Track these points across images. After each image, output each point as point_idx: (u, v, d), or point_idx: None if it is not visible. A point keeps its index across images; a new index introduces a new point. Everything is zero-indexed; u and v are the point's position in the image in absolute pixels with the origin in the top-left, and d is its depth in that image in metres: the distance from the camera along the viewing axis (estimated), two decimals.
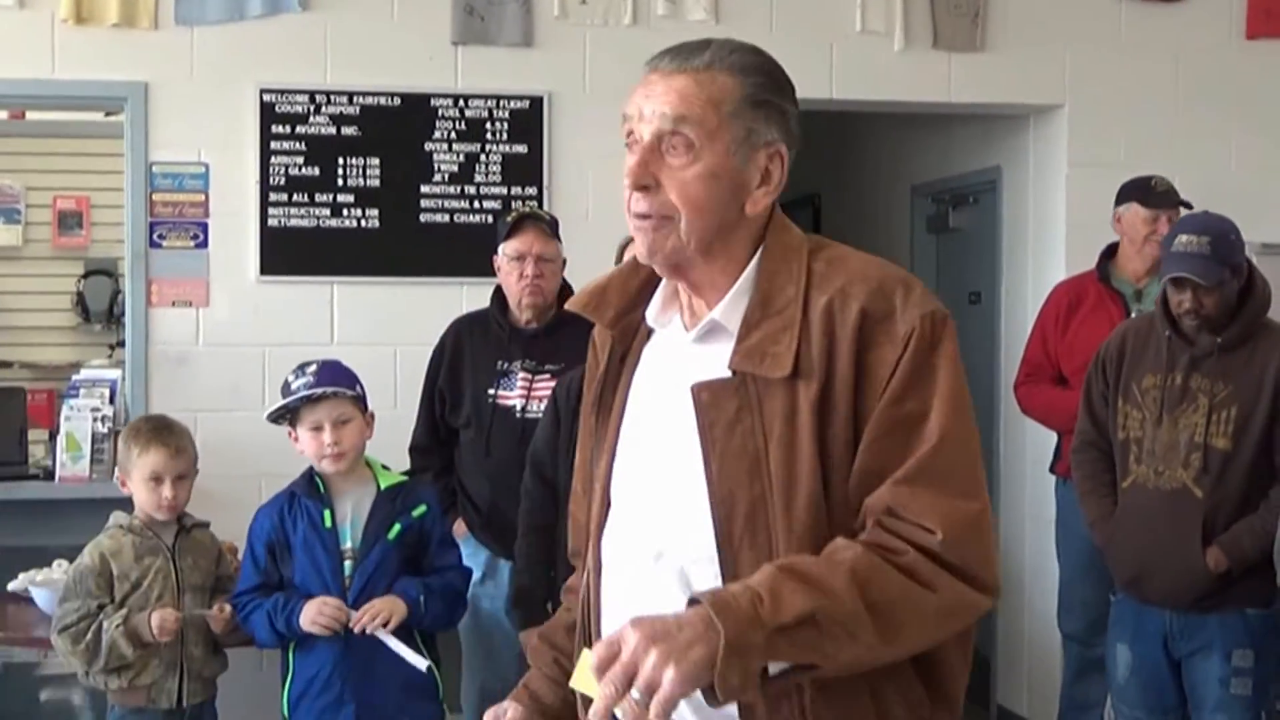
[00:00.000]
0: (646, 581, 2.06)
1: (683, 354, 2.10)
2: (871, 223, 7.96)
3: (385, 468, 4.03)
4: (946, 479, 1.96)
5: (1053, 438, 5.60)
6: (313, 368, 3.94)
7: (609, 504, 2.16)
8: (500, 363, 4.64)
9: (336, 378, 3.92)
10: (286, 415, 3.93)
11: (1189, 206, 5.24)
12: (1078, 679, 5.51)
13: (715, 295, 2.08)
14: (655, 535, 2.07)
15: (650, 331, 2.18)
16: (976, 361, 6.85)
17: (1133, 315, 5.28)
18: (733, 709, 1.97)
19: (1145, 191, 5.37)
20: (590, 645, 2.08)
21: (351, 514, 3.92)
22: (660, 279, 2.15)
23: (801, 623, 1.83)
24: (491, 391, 4.61)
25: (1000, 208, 6.55)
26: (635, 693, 1.77)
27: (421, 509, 3.96)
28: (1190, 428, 4.20)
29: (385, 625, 3.79)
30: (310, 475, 3.95)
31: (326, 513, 3.89)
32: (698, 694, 1.86)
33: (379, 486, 3.95)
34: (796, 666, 1.87)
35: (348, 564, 3.89)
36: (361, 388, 3.98)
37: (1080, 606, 5.47)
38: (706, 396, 2.01)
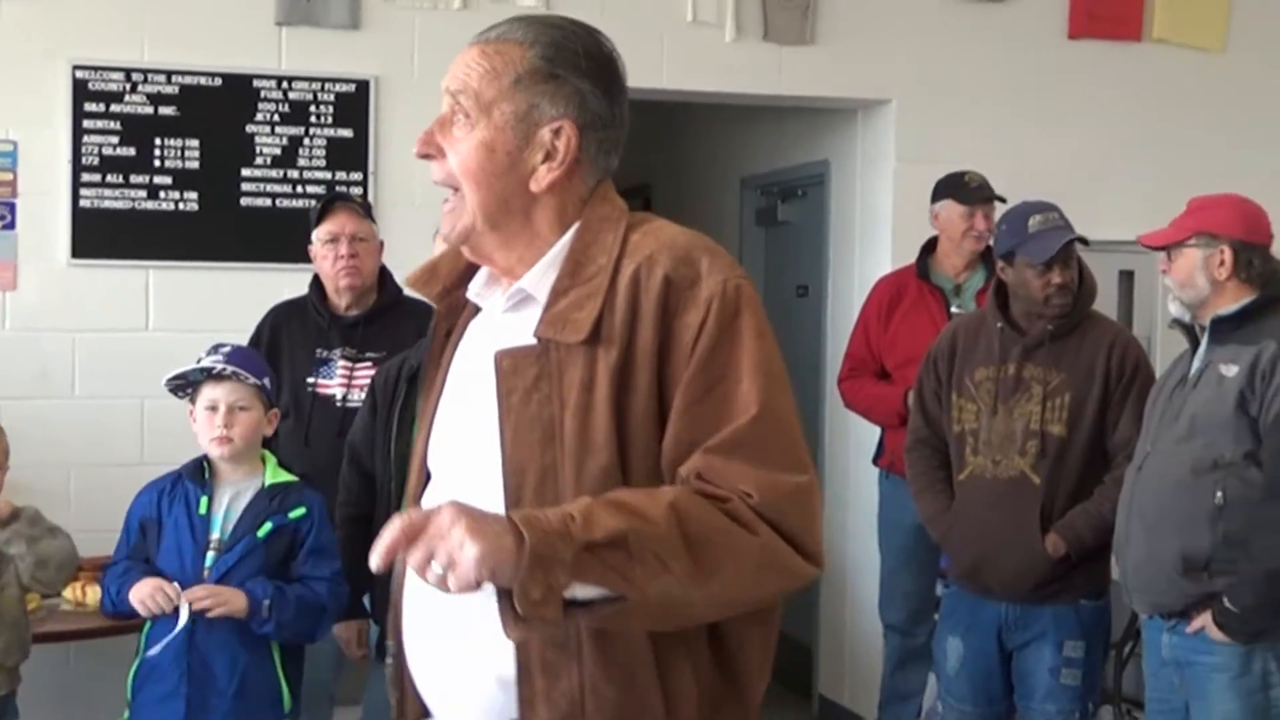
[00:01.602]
0: None
1: (496, 325, 2.08)
2: (701, 214, 7.95)
3: (284, 468, 3.91)
4: (766, 452, 1.94)
5: (876, 431, 5.64)
6: (226, 348, 3.88)
7: (428, 477, 2.15)
8: (319, 351, 4.54)
9: (245, 363, 3.85)
10: (187, 391, 3.85)
11: (1002, 200, 5.31)
12: (899, 668, 5.57)
13: (525, 270, 2.06)
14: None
15: (479, 308, 2.17)
16: (803, 354, 6.88)
17: (952, 310, 5.35)
18: (512, 682, 1.97)
19: (959, 188, 5.42)
20: (397, 622, 2.15)
21: (229, 505, 3.82)
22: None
23: (613, 543, 1.79)
24: (311, 380, 4.51)
25: (828, 201, 6.57)
26: (436, 565, 1.75)
27: (300, 512, 3.83)
28: (1026, 416, 4.25)
29: (206, 611, 3.68)
30: (200, 460, 3.86)
31: (204, 499, 3.80)
32: (499, 668, 1.93)
33: (265, 483, 3.85)
34: (602, 602, 1.82)
35: (211, 554, 3.78)
36: (271, 382, 3.89)
37: (901, 597, 5.52)
38: (508, 364, 1.99)
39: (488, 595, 1.81)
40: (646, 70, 5.79)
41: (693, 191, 8.06)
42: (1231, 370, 3.75)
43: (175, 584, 3.73)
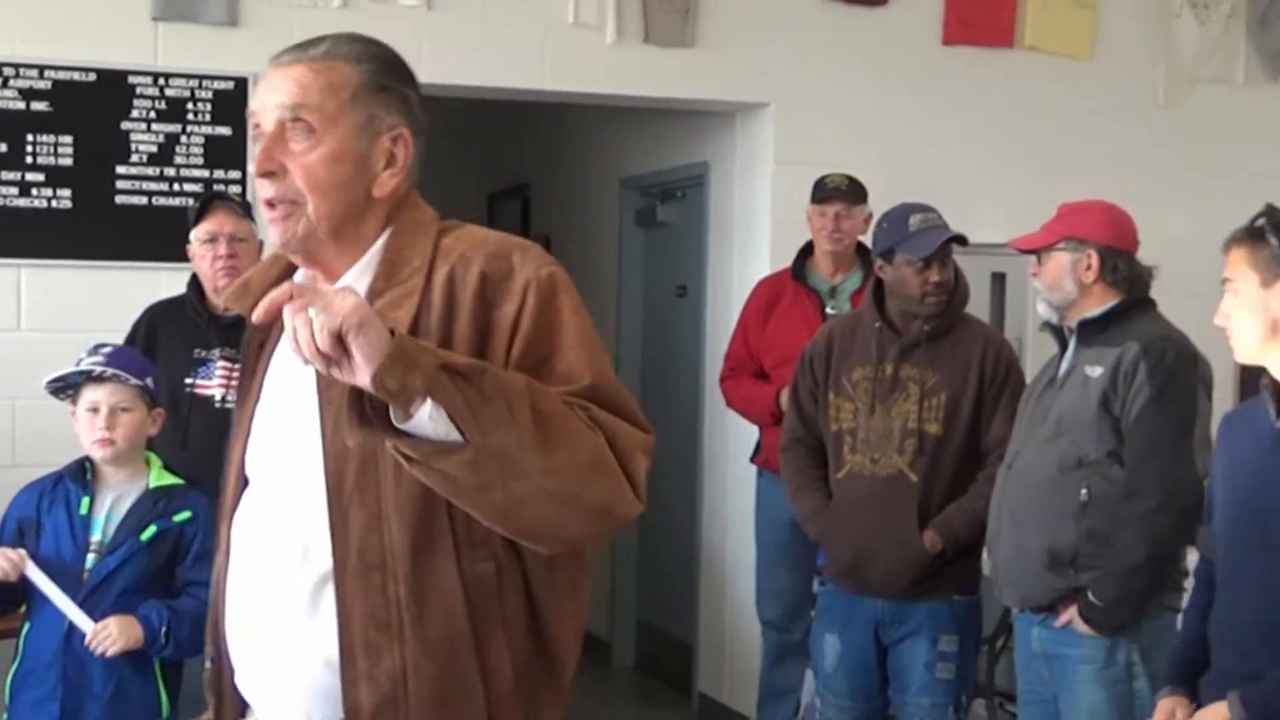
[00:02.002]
0: (274, 555, 2.11)
1: None
2: (580, 214, 7.96)
3: (168, 469, 3.84)
4: (611, 408, 2.03)
5: (755, 430, 5.69)
6: (107, 349, 3.81)
7: (245, 485, 2.21)
8: (198, 351, 4.48)
9: (126, 364, 3.78)
10: (68, 393, 3.78)
11: (861, 201, 5.43)
12: (776, 664, 5.62)
13: (345, 272, 2.13)
14: (281, 506, 2.12)
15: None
16: (682, 354, 6.92)
17: (827, 311, 5.42)
18: (334, 661, 2.04)
19: (817, 188, 5.52)
20: (220, 628, 2.20)
21: (111, 507, 3.76)
22: (298, 266, 2.20)
23: (469, 375, 1.87)
24: (189, 381, 4.45)
25: (707, 202, 6.59)
26: (312, 311, 1.80)
27: (185, 515, 3.76)
28: (903, 415, 4.32)
29: (105, 653, 3.61)
30: (82, 461, 3.79)
31: (85, 500, 3.73)
32: (325, 651, 2.00)
33: (149, 485, 3.78)
34: (441, 450, 1.87)
35: (91, 556, 3.71)
36: (153, 383, 3.82)
37: (778, 594, 5.57)
38: None
39: (314, 529, 1.98)
40: (527, 71, 5.79)
41: (572, 192, 8.06)
42: (1096, 371, 3.84)
43: (21, 550, 3.67)
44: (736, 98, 6.17)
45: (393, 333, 1.84)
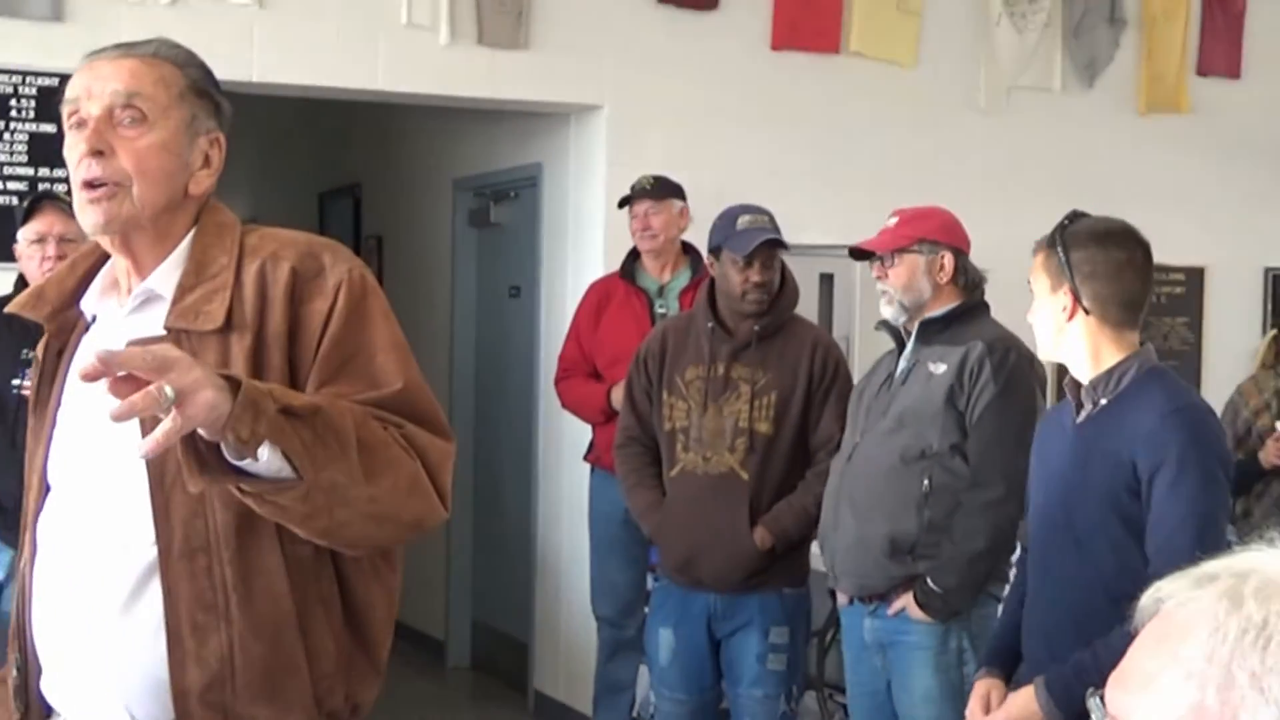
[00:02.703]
0: (89, 554, 2.13)
1: (119, 329, 2.16)
2: (413, 215, 7.91)
3: None
4: (418, 417, 2.13)
5: (589, 428, 5.72)
6: None
7: (47, 490, 2.23)
8: (25, 352, 4.37)
9: None
10: None
11: (677, 197, 5.50)
12: (611, 660, 5.64)
13: (153, 269, 2.19)
14: (95, 506, 2.14)
15: (89, 325, 2.27)
16: (516, 354, 6.92)
17: (656, 310, 5.48)
18: (163, 655, 2.07)
19: (630, 190, 5.58)
20: (25, 633, 2.23)
21: None
22: (96, 273, 2.25)
23: (304, 416, 1.94)
24: (16, 382, 4.35)
25: (541, 203, 6.59)
26: (169, 389, 1.81)
27: None
28: (734, 414, 4.38)
29: None
30: None
31: None
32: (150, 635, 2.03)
33: None
34: (277, 485, 1.94)
35: None
36: None
37: (611, 589, 5.60)
38: None
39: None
40: (361, 71, 5.74)
41: (404, 192, 8.01)
42: (940, 368, 3.95)
43: None
44: (570, 99, 6.19)
45: (238, 382, 1.88)
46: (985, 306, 4.10)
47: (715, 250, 4.46)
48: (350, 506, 2.01)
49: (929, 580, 3.91)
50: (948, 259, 4.03)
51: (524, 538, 6.78)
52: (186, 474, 1.92)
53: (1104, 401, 3.17)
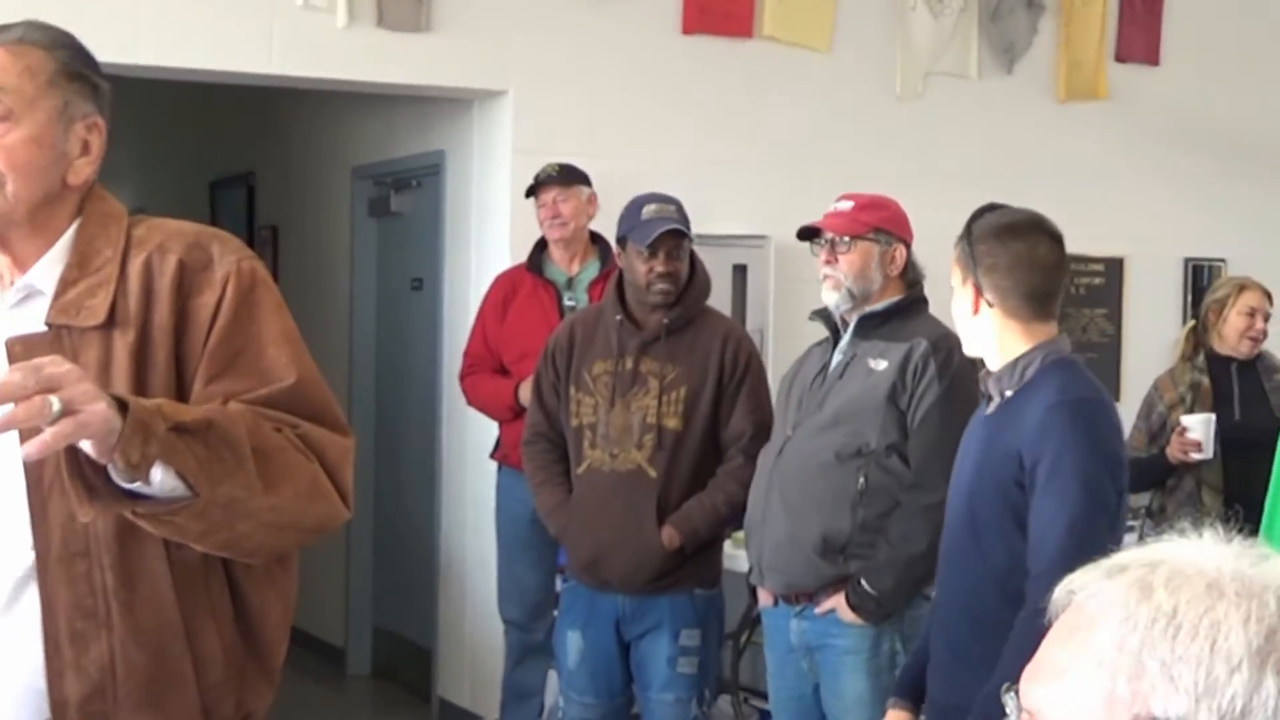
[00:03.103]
0: None
1: (1, 324, 2.16)
2: (310, 204, 7.86)
3: None
4: (315, 413, 2.14)
5: (495, 425, 5.72)
6: None
7: None
8: None
9: None
10: None
11: (579, 182, 5.52)
12: (518, 665, 5.64)
13: (34, 262, 2.18)
14: None
15: None
16: (418, 349, 6.90)
17: (565, 303, 5.49)
18: (41, 664, 2.06)
19: (532, 184, 5.61)
20: None
21: None
22: None
23: (197, 431, 1.95)
24: None
25: (444, 192, 6.58)
26: (56, 402, 1.81)
27: None
28: (642, 410, 4.40)
29: None
30: None
31: None
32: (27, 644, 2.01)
33: None
34: (172, 506, 1.94)
35: None
36: None
37: (519, 592, 5.60)
38: (20, 349, 2.06)
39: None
40: (254, 55, 5.69)
41: (301, 180, 7.96)
42: (881, 365, 3.99)
43: None
44: (473, 84, 6.18)
45: (126, 404, 1.87)
46: (925, 302, 4.16)
47: (621, 241, 4.50)
48: (251, 519, 2.02)
49: (863, 581, 3.93)
50: (900, 251, 4.09)
51: (427, 539, 6.77)
52: (76, 503, 1.91)
53: (1009, 394, 3.25)
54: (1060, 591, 1.32)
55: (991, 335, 3.28)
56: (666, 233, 4.38)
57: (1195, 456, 5.24)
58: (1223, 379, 5.42)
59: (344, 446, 2.15)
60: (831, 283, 4.08)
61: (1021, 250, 3.25)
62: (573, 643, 4.56)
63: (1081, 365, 3.40)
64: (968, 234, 3.29)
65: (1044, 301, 3.28)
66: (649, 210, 4.45)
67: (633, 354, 4.45)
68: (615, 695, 4.56)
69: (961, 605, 3.30)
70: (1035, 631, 1.28)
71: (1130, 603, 1.26)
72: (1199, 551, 1.29)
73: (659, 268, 4.41)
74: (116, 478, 1.92)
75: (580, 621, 4.55)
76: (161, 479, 1.92)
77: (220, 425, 1.98)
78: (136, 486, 1.93)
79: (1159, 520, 5.39)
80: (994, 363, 3.30)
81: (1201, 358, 5.47)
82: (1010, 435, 3.20)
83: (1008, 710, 1.33)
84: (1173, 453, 5.29)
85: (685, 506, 4.41)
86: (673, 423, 4.41)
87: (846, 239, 4.06)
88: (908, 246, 4.13)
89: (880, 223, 4.10)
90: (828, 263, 4.09)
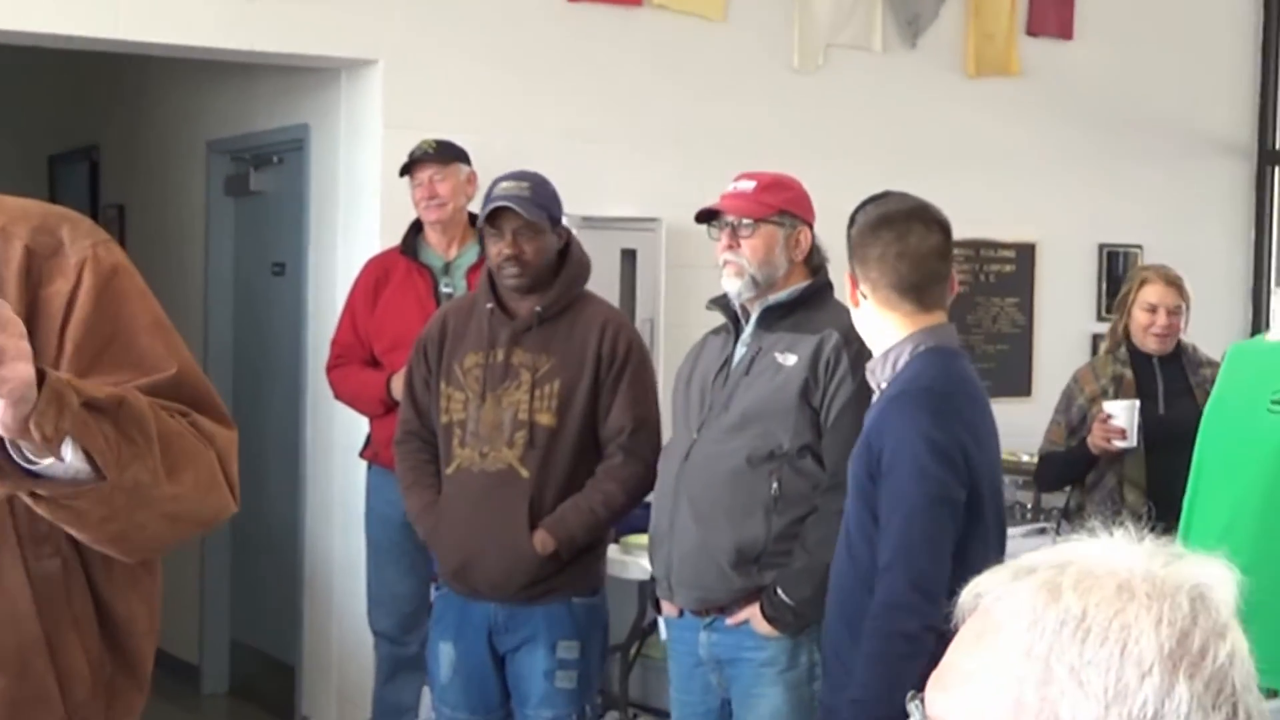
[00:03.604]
0: None
1: None
2: (161, 181, 7.76)
3: None
4: (199, 404, 2.14)
5: (365, 422, 5.65)
6: None
7: None
8: None
9: None
10: None
11: (458, 159, 5.48)
12: (390, 681, 5.61)
13: None
14: None
15: None
16: (281, 338, 6.83)
17: (441, 290, 5.45)
18: None
19: (406, 163, 5.57)
20: None
21: None
22: None
23: (107, 409, 1.92)
24: None
25: (308, 170, 6.52)
26: None
27: None
28: (514, 405, 4.35)
29: None
30: None
31: None
32: None
33: None
34: (76, 488, 1.92)
35: None
36: None
37: (391, 601, 5.57)
38: None
39: None
40: (98, 19, 5.56)
41: (150, 156, 7.84)
42: (790, 360, 3.97)
43: None
44: (340, 53, 6.10)
45: (43, 373, 1.82)
46: (831, 288, 4.13)
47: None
48: (151, 507, 1.99)
49: (779, 591, 3.92)
50: (805, 235, 4.08)
51: (290, 545, 6.71)
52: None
53: (884, 385, 3.38)
54: (967, 595, 1.33)
55: (869, 326, 3.44)
56: (510, 213, 4.31)
57: (1119, 444, 5.26)
58: (1145, 372, 5.46)
59: (230, 438, 2.15)
60: (733, 269, 4.05)
61: (890, 240, 3.37)
62: (445, 655, 4.52)
63: (956, 355, 3.49)
64: (850, 223, 3.42)
65: (918, 292, 3.38)
66: (500, 188, 4.40)
67: (504, 345, 4.40)
68: (491, 711, 4.52)
69: (838, 606, 3.42)
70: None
71: (1038, 606, 1.28)
72: (1110, 551, 1.31)
73: (505, 249, 4.35)
74: (28, 453, 1.86)
75: (452, 632, 4.50)
76: (70, 459, 1.88)
77: (131, 404, 1.95)
78: (43, 466, 1.87)
79: (1076, 520, 5.42)
80: (876, 354, 3.44)
81: (1124, 350, 5.50)
82: (868, 429, 3.35)
83: (912, 718, 1.33)
84: (1094, 441, 5.31)
85: (560, 509, 4.36)
86: (546, 419, 4.36)
87: (749, 222, 4.03)
88: (812, 229, 4.11)
89: (785, 204, 4.08)
90: (729, 247, 4.06)
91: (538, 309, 4.38)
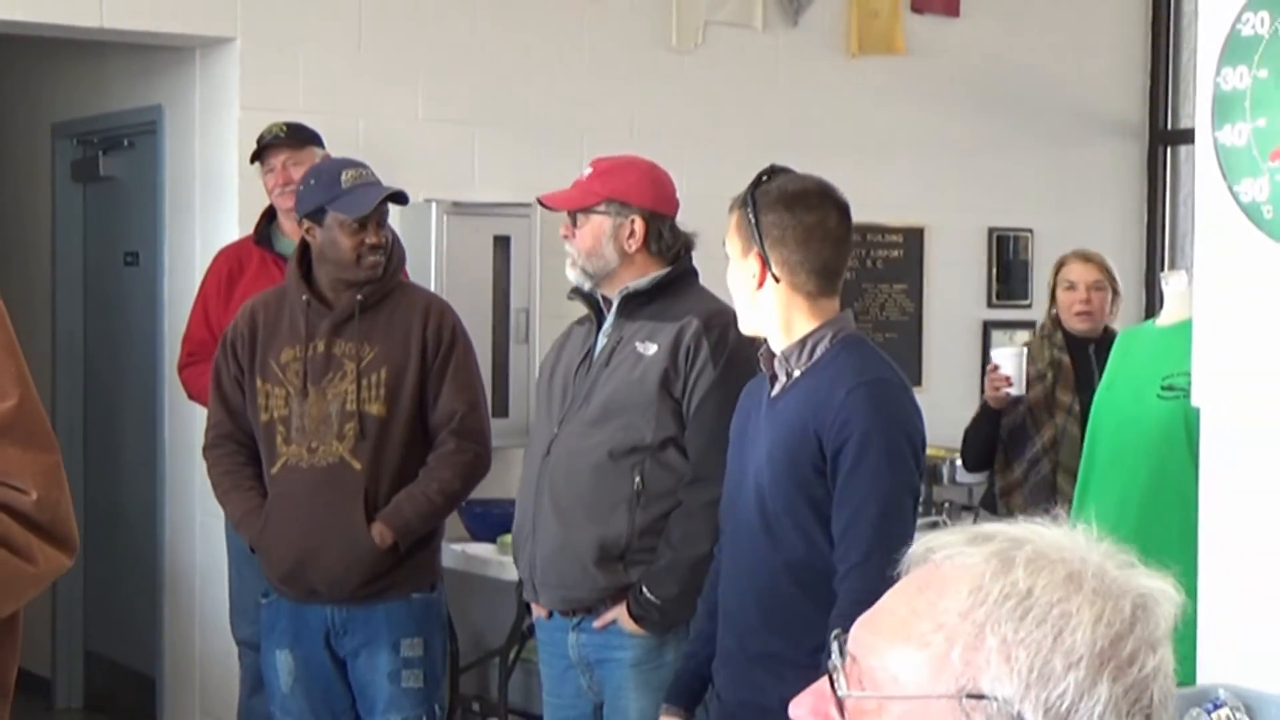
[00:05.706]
0: None
1: None
2: (1, 166, 7.67)
3: None
4: (31, 434, 2.15)
5: None
6: None
7: None
8: None
9: None
10: None
11: (312, 142, 5.50)
12: (256, 692, 5.56)
13: None
14: None
15: None
16: (134, 333, 6.78)
17: None
18: None
19: (256, 148, 5.59)
20: None
21: None
22: None
23: None
24: None
25: (162, 154, 6.48)
26: None
27: None
28: (340, 396, 4.40)
29: None
30: None
31: None
32: None
33: None
34: None
35: None
36: None
37: (255, 608, 5.53)
38: None
39: None
40: None
41: None
42: (650, 349, 3.99)
43: None
44: (195, 31, 6.07)
45: None
46: (694, 274, 4.16)
47: (316, 214, 4.46)
48: None
49: (644, 589, 3.95)
50: (638, 224, 4.06)
51: (148, 550, 6.67)
52: None
53: (797, 374, 3.34)
54: (918, 547, 1.39)
55: (776, 312, 3.35)
56: (380, 201, 4.39)
57: (1007, 392, 5.40)
58: (1081, 358, 5.58)
59: (61, 472, 2.16)
60: (569, 259, 4.10)
61: (811, 222, 3.32)
62: (283, 663, 4.55)
63: (871, 343, 3.52)
64: (751, 201, 3.32)
65: (831, 277, 3.37)
66: (348, 177, 4.47)
67: (323, 336, 4.45)
68: (337, 716, 4.56)
69: (753, 597, 3.38)
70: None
71: (987, 573, 1.34)
72: (1068, 540, 1.37)
73: (370, 239, 4.41)
74: None
75: (288, 639, 4.54)
76: None
77: None
78: None
79: (1001, 510, 5.52)
80: (778, 341, 3.37)
81: (1060, 335, 5.63)
82: (804, 419, 3.29)
83: (830, 653, 1.38)
84: (988, 395, 5.47)
85: (395, 500, 4.41)
86: (375, 408, 4.41)
87: (577, 213, 4.08)
88: (654, 216, 4.08)
89: (611, 193, 4.08)
90: (565, 237, 4.11)
91: (359, 297, 4.43)
